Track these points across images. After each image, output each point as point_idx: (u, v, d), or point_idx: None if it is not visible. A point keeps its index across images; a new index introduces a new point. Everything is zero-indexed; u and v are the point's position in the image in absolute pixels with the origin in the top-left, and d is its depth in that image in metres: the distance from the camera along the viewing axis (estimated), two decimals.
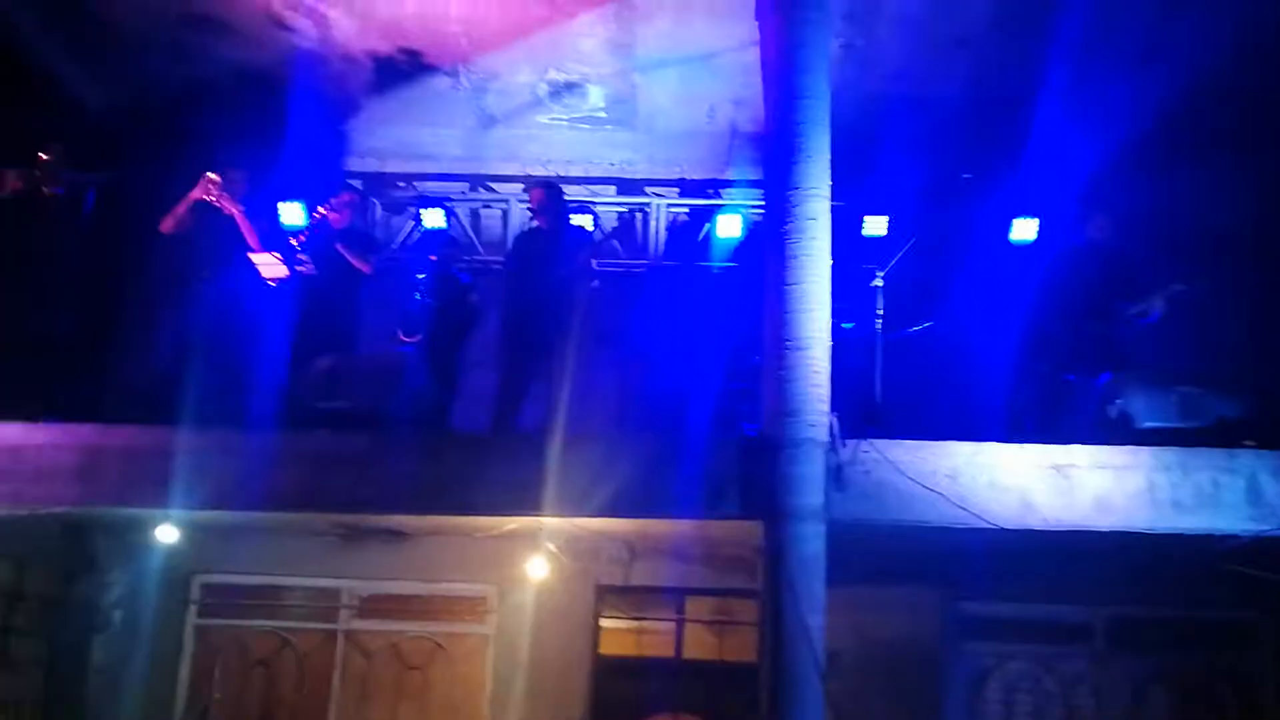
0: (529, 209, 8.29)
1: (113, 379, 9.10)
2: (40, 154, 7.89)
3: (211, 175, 7.89)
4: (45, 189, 7.88)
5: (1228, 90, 8.67)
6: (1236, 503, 6.36)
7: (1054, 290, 7.93)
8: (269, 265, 7.95)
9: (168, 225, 7.95)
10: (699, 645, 8.72)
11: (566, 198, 9.57)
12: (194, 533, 7.93)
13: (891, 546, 7.27)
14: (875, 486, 6.44)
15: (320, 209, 8.29)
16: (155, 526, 7.64)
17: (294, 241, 8.17)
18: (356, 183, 9.88)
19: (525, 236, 8.36)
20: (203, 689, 8.72)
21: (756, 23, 7.08)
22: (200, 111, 9.44)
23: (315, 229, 8.29)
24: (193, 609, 8.90)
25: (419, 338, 8.24)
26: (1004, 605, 8.48)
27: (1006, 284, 8.77)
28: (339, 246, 8.17)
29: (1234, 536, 6.37)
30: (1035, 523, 6.41)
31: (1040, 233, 9.02)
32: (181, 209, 7.91)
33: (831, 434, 6.34)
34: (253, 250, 7.91)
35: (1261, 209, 9.31)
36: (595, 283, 8.09)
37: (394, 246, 9.86)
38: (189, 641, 8.85)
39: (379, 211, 10.12)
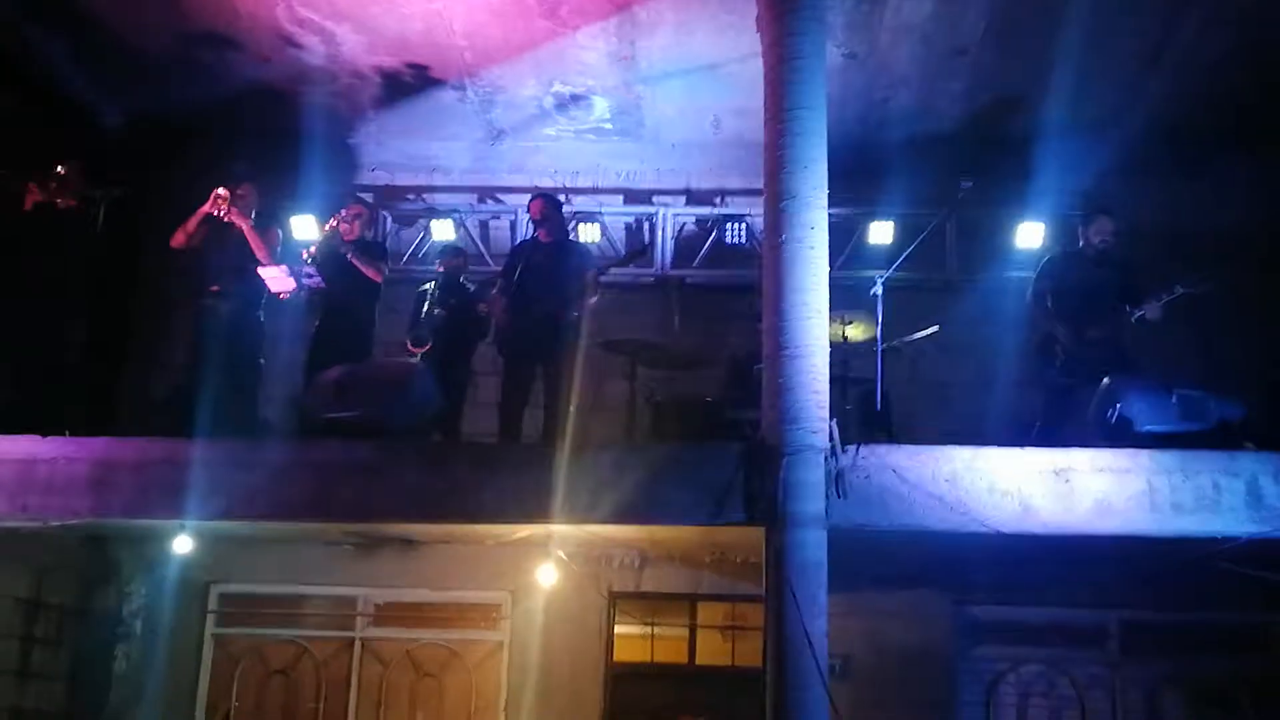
0: (530, 220, 8.33)
1: (125, 392, 9.23)
2: (57, 168, 7.87)
3: (220, 190, 7.94)
4: (60, 203, 7.89)
5: (1231, 92, 8.68)
6: (1237, 505, 6.30)
7: (1057, 295, 7.89)
8: (277, 279, 8.00)
9: (178, 240, 8.01)
10: (712, 651, 8.75)
11: (574, 208, 9.72)
12: (211, 543, 7.98)
13: (898, 551, 7.26)
14: (876, 492, 6.37)
15: (331, 221, 8.36)
16: (172, 537, 7.66)
17: (304, 255, 8.25)
18: (367, 196, 9.98)
19: (528, 246, 8.37)
20: (222, 697, 8.83)
21: (757, 34, 7.10)
22: (212, 127, 9.60)
23: (327, 242, 8.38)
24: (211, 618, 8.99)
25: (428, 347, 8.32)
26: (1015, 609, 8.47)
27: (1010, 289, 8.80)
28: (351, 257, 8.24)
29: (1235, 539, 6.32)
30: (1035, 527, 6.35)
31: (1045, 237, 9.06)
32: (192, 224, 7.96)
33: (831, 440, 6.32)
34: (261, 264, 7.98)
35: (1262, 211, 9.30)
36: (595, 298, 8.06)
37: (404, 258, 9.93)
38: (208, 650, 8.94)
39: (389, 224, 10.19)
